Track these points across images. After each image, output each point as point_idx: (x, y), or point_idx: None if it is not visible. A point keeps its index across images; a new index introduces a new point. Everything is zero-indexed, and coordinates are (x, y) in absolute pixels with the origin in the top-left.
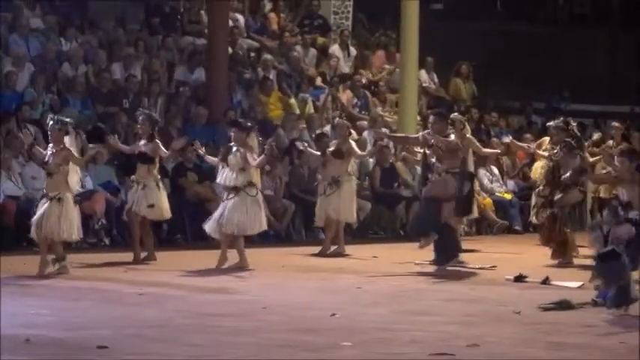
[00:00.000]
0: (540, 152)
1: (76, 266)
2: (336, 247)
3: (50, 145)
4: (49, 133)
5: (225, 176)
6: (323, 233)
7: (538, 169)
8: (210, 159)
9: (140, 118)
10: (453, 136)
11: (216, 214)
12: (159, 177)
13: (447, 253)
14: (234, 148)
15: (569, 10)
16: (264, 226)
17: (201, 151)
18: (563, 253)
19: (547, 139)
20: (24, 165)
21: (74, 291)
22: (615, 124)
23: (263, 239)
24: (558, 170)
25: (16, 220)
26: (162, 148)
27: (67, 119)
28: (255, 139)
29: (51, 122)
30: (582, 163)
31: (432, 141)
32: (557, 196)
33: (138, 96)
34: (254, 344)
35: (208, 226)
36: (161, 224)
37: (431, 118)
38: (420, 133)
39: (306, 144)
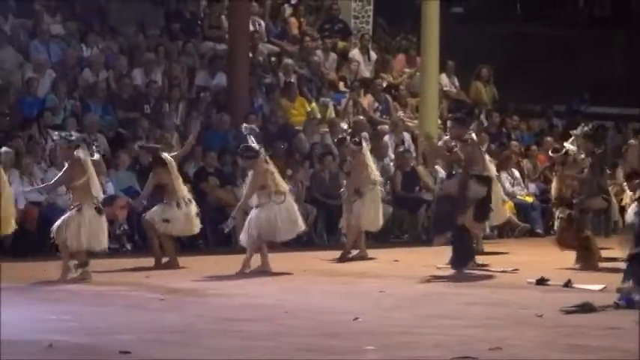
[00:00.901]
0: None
1: (98, 271)
2: (358, 250)
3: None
4: (57, 149)
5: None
6: (345, 237)
7: None
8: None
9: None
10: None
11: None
12: (185, 195)
13: (463, 256)
14: (249, 173)
15: (590, 12)
16: (301, 227)
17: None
18: (586, 258)
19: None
20: (46, 171)
21: (96, 296)
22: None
23: (284, 243)
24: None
25: (37, 226)
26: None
27: (72, 135)
28: (262, 163)
29: (57, 141)
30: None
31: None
32: (578, 199)
33: (159, 101)
34: (276, 349)
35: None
36: None
37: (449, 123)
38: (442, 140)
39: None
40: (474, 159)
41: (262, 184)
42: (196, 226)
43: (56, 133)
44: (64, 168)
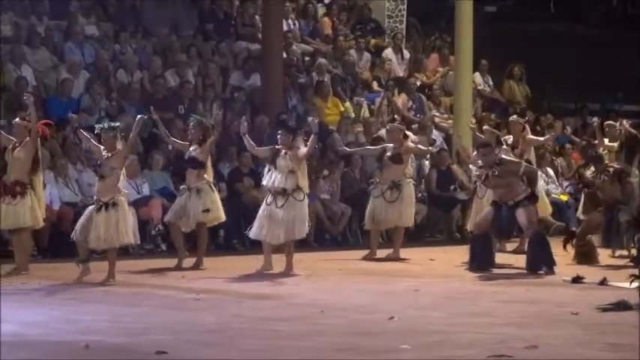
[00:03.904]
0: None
1: (133, 272)
2: (391, 250)
3: (103, 150)
4: (102, 140)
5: (273, 179)
6: (367, 236)
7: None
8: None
9: (191, 123)
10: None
11: (264, 222)
12: (211, 180)
13: (542, 259)
14: (283, 151)
15: (623, 10)
16: (305, 232)
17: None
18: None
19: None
20: (81, 172)
21: (132, 297)
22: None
23: (319, 243)
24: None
25: (73, 227)
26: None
27: (117, 123)
28: (302, 142)
29: (102, 129)
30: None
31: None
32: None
33: (193, 101)
34: (312, 348)
35: (255, 234)
36: (218, 230)
37: (481, 150)
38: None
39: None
40: (534, 180)
41: (295, 168)
42: (222, 215)
43: (96, 125)
44: (107, 157)
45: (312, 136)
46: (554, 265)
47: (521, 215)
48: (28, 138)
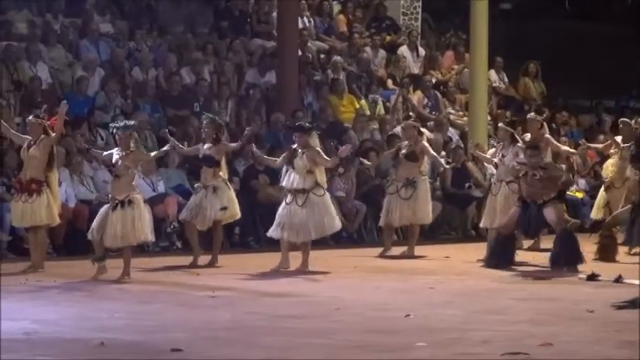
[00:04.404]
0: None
1: (149, 270)
2: (406, 248)
3: (117, 149)
4: (116, 138)
5: (292, 180)
6: (382, 233)
7: (609, 167)
8: (267, 160)
9: (204, 122)
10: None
11: (283, 221)
12: (226, 177)
13: (569, 256)
14: (300, 152)
15: (637, 7)
16: (338, 225)
17: (257, 152)
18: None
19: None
20: (96, 169)
21: (147, 294)
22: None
23: (335, 241)
24: None
25: (88, 225)
26: (229, 144)
27: (132, 122)
28: (316, 139)
29: (117, 128)
30: None
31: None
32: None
33: (208, 99)
34: (328, 345)
35: (275, 233)
36: (233, 227)
37: (529, 152)
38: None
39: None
40: (567, 189)
41: (312, 167)
42: (238, 212)
43: (111, 124)
44: (122, 155)
45: (334, 158)
46: (581, 262)
47: (549, 213)
48: (43, 136)
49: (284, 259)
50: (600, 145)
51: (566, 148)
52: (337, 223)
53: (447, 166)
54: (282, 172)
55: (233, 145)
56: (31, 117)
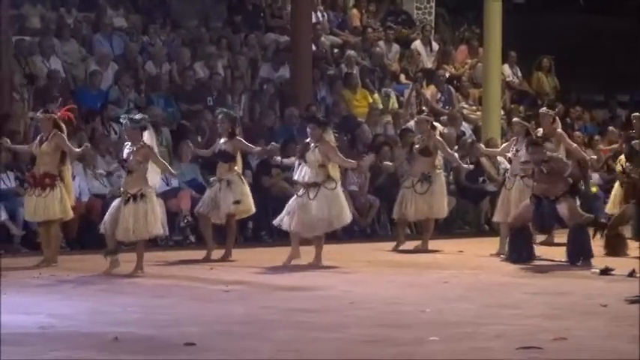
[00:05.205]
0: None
1: (162, 264)
2: (420, 242)
3: (128, 143)
4: (125, 132)
5: (303, 173)
6: (395, 227)
7: (622, 161)
8: (288, 162)
9: (219, 117)
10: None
11: (294, 212)
12: (240, 172)
13: (581, 251)
14: (312, 145)
15: None
16: (348, 218)
17: (278, 158)
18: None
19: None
20: (109, 163)
21: (161, 288)
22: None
23: (348, 235)
24: None
25: (101, 219)
26: (246, 143)
27: (142, 116)
28: (331, 134)
29: (125, 121)
30: None
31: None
32: None
33: (222, 93)
34: (341, 340)
35: (283, 223)
36: (247, 222)
37: (530, 149)
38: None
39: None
40: (578, 182)
41: (325, 162)
42: (252, 207)
43: (123, 115)
44: (133, 150)
45: (351, 162)
46: (592, 257)
47: (563, 208)
48: (54, 130)
49: (294, 251)
50: (616, 145)
51: (577, 147)
52: (347, 217)
53: (466, 166)
54: (294, 166)
55: (250, 146)
56: (38, 113)
